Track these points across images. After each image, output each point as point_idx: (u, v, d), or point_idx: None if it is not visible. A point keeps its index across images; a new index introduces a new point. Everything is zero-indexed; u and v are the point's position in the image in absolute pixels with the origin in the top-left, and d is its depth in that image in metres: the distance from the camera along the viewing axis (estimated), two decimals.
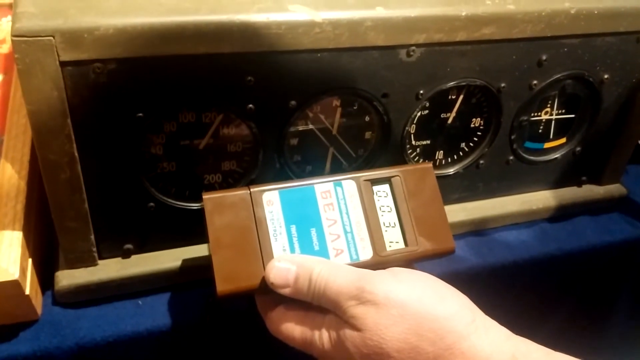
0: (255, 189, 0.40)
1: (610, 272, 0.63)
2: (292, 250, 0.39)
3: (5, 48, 0.57)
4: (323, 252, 0.40)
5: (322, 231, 0.40)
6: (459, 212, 0.55)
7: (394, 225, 0.42)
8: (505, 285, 0.58)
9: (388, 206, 0.43)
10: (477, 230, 0.57)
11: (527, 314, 0.64)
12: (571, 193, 0.60)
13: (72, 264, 0.44)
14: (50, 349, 0.43)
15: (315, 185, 0.41)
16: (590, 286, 0.65)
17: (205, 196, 0.39)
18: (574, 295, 0.65)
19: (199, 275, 0.47)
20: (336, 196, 0.41)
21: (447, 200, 0.54)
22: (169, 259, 0.47)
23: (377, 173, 0.43)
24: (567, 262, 0.59)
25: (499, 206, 0.57)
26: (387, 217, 0.42)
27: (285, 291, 0.38)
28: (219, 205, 0.39)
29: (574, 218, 0.61)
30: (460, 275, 0.54)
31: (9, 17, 0.61)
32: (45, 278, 0.46)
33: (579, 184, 0.61)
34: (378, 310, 0.35)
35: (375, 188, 0.43)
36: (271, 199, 0.40)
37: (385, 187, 0.43)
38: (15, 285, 0.40)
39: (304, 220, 0.40)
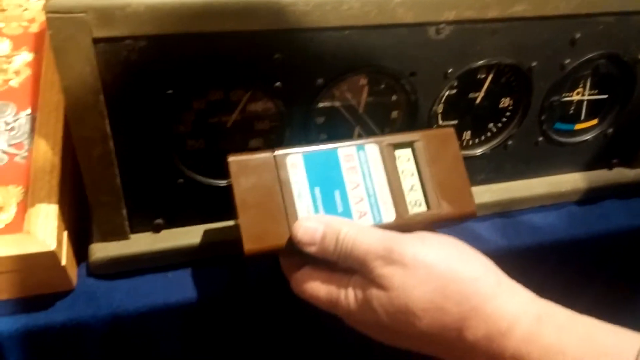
0: (279, 152, 0.41)
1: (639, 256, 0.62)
2: (317, 211, 0.40)
3: (35, 27, 0.58)
4: (347, 214, 0.41)
5: (346, 194, 0.41)
6: (485, 193, 0.55)
7: (416, 188, 0.43)
8: (531, 269, 0.57)
9: (410, 170, 0.43)
10: (504, 212, 0.56)
11: (553, 298, 0.64)
12: (601, 176, 0.59)
13: (106, 237, 0.46)
14: (85, 318, 0.44)
15: (338, 149, 0.42)
16: (618, 270, 0.64)
17: (231, 158, 0.40)
18: (601, 279, 0.65)
19: (226, 251, 0.48)
20: (359, 160, 0.42)
21: (473, 182, 0.54)
22: (197, 234, 0.48)
23: (399, 137, 0.43)
24: (595, 245, 0.58)
25: (526, 188, 0.56)
26: (410, 180, 0.43)
27: (311, 249, 0.38)
28: (244, 167, 0.40)
29: (603, 201, 0.60)
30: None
31: None
32: (79, 250, 0.47)
33: (610, 167, 0.60)
34: (405, 271, 0.36)
35: (397, 152, 0.43)
36: (295, 162, 0.41)
37: (407, 152, 0.43)
38: (52, 256, 0.42)
39: (327, 183, 0.41)
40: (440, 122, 0.50)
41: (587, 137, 0.56)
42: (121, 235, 0.46)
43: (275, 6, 0.38)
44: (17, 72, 0.52)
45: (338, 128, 0.47)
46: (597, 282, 0.65)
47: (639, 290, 0.68)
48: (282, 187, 0.40)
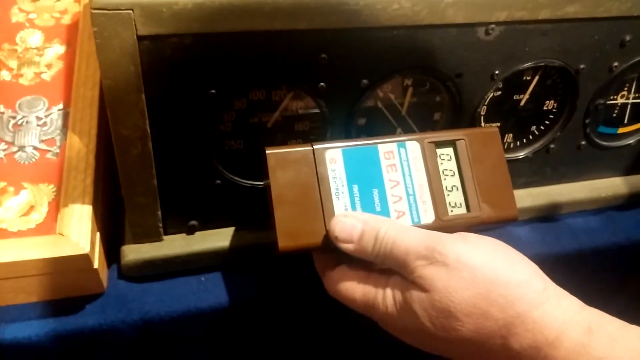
0: (318, 146, 0.39)
1: None
2: (354, 209, 0.39)
3: (67, 19, 0.57)
4: (385, 213, 0.39)
5: (384, 192, 0.40)
6: (525, 197, 0.53)
7: (456, 189, 0.41)
8: (569, 274, 0.56)
9: (451, 170, 0.42)
10: (544, 216, 0.55)
11: (588, 301, 0.62)
12: None
13: (138, 239, 0.45)
14: (116, 323, 0.43)
15: (379, 145, 0.41)
16: None
17: (269, 151, 0.39)
18: (635, 284, 0.63)
19: (261, 253, 0.47)
20: (399, 157, 0.41)
21: (514, 185, 0.52)
22: (232, 236, 0.47)
23: (441, 135, 0.42)
24: (634, 251, 0.56)
25: (566, 192, 0.55)
26: (450, 181, 0.41)
27: (349, 247, 0.37)
28: (281, 160, 0.38)
29: None
30: None
31: None
32: (110, 252, 0.46)
33: None
34: (449, 272, 0.34)
35: (439, 151, 0.42)
36: (334, 157, 0.39)
37: (449, 151, 0.42)
38: (85, 259, 0.41)
39: (366, 180, 0.40)
40: (483, 124, 0.49)
41: (630, 141, 0.54)
42: (154, 237, 0.45)
43: (326, 5, 0.37)
44: (48, 66, 0.50)
45: (379, 129, 0.46)
46: (632, 288, 0.63)
47: None
48: (320, 182, 0.39)
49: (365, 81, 0.42)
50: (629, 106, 0.53)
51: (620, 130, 0.54)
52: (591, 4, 0.43)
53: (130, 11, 0.33)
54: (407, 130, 0.47)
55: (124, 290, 0.45)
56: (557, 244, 0.54)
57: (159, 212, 0.43)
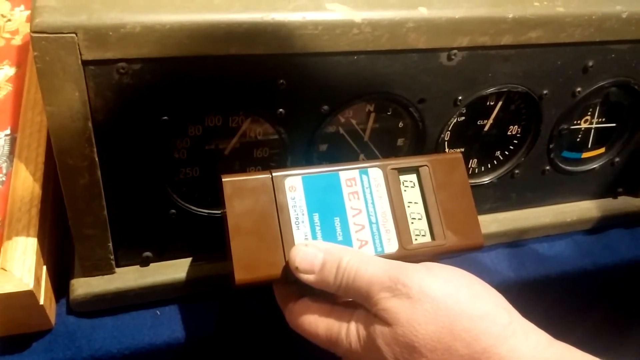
0: (277, 174, 0.38)
1: None
2: (315, 239, 0.38)
3: (18, 39, 0.54)
4: (347, 243, 0.38)
5: (346, 221, 0.38)
6: (491, 223, 0.53)
7: (420, 217, 0.40)
8: (535, 299, 0.55)
9: (415, 197, 0.41)
10: (509, 242, 0.54)
11: (553, 326, 0.62)
12: (606, 205, 0.58)
13: (89, 272, 0.42)
14: None
15: (340, 172, 0.39)
16: (619, 300, 0.62)
17: (225, 179, 0.37)
18: (601, 309, 0.63)
19: (219, 285, 0.45)
20: (362, 184, 0.39)
21: (479, 210, 0.51)
22: (189, 267, 0.45)
23: (404, 161, 0.41)
24: (599, 276, 0.56)
25: (532, 217, 0.54)
26: (414, 208, 0.40)
27: (310, 278, 0.36)
28: (238, 188, 0.37)
29: (609, 231, 0.58)
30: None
31: (22, 7, 0.59)
32: (59, 286, 0.44)
33: (615, 196, 0.58)
34: (412, 305, 0.33)
35: (402, 177, 0.41)
36: (294, 185, 0.38)
37: (413, 177, 0.41)
38: (29, 296, 0.38)
39: (327, 209, 0.38)
40: (447, 149, 0.48)
41: (594, 165, 0.54)
42: (106, 270, 0.43)
43: (283, 29, 0.35)
44: None
45: (341, 155, 0.45)
46: (597, 312, 0.63)
47: (636, 322, 0.67)
48: (279, 211, 0.37)
49: (325, 107, 0.41)
50: (592, 131, 0.53)
51: (584, 155, 0.54)
52: (554, 30, 0.43)
53: (74, 35, 0.31)
54: (370, 157, 0.46)
55: (73, 326, 0.43)
56: (523, 270, 0.53)
57: (110, 244, 0.41)
